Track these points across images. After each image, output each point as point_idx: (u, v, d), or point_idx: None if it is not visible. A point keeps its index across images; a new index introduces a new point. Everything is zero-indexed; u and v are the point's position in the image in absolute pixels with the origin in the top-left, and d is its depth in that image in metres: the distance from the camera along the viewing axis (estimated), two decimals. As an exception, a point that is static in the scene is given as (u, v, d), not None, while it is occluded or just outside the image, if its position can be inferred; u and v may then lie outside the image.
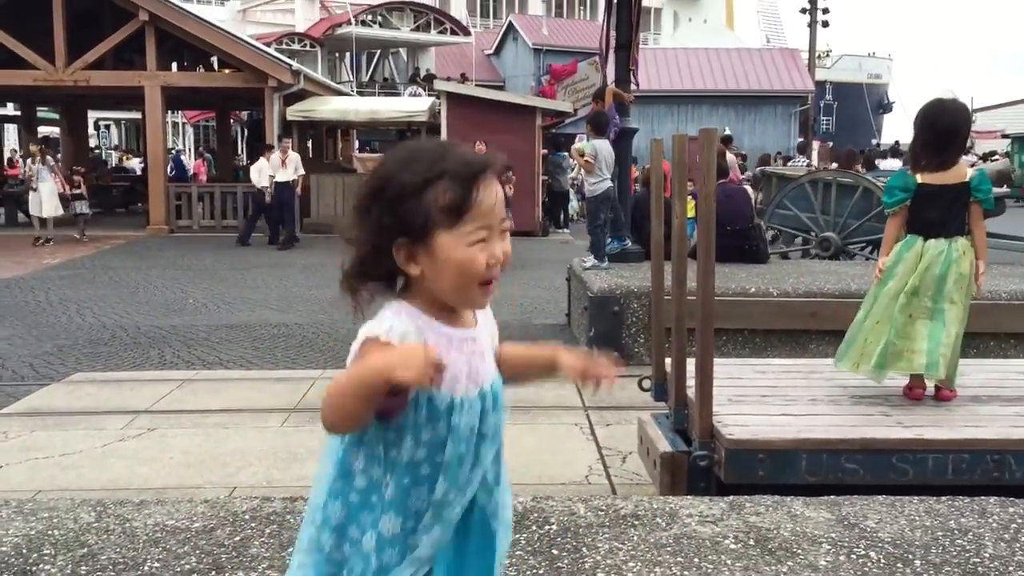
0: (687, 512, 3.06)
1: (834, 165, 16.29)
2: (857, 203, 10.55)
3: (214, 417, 5.82)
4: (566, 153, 18.80)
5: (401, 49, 37.32)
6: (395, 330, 1.47)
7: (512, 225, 1.57)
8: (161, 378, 6.80)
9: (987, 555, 2.77)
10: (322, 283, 11.23)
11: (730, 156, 17.85)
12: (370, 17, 32.72)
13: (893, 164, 17.98)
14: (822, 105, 43.70)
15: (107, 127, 40.87)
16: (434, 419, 1.51)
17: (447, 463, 1.52)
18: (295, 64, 18.25)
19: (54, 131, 26.76)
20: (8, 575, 2.54)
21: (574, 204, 20.96)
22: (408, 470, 1.52)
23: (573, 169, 19.28)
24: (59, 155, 21.78)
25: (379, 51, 37.24)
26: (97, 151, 33.34)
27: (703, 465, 3.72)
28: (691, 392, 4.06)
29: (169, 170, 19.69)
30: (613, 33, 9.89)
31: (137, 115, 25.34)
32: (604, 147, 9.03)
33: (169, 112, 28.07)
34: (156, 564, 2.59)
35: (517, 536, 2.84)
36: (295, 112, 17.78)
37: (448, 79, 27.03)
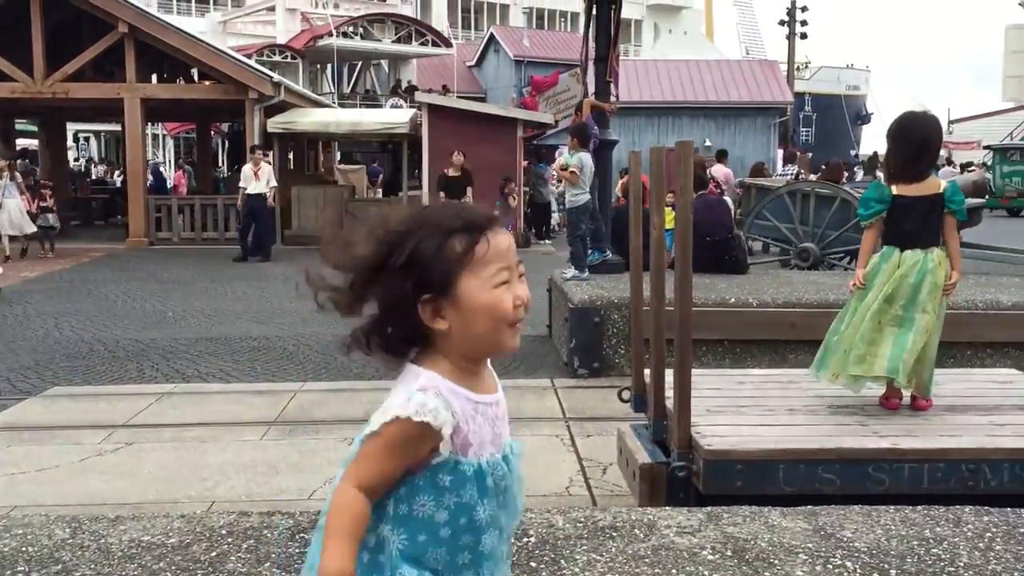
0: (665, 523, 3.07)
1: (813, 176, 16.44)
2: (835, 214, 10.63)
3: (193, 431, 5.78)
4: (547, 165, 18.87)
5: (383, 61, 37.33)
6: (427, 407, 1.45)
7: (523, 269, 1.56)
8: (139, 392, 6.76)
9: (962, 564, 2.79)
10: (304, 295, 11.18)
11: (725, 170, 17.97)
12: (351, 29, 32.72)
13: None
14: (801, 116, 44.01)
15: (87, 139, 40.64)
16: (459, 484, 1.50)
17: (474, 525, 1.51)
18: (276, 76, 18.23)
19: (32, 143, 26.57)
20: (-20, 593, 2.51)
21: (556, 216, 21.03)
22: (424, 526, 1.50)
23: (557, 183, 19.35)
24: (38, 168, 21.63)
25: (360, 63, 37.23)
26: (77, 163, 33.15)
27: (682, 476, 3.73)
28: (670, 403, 4.08)
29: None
30: (593, 45, 9.95)
31: (117, 127, 25.23)
32: (588, 159, 9.09)
33: (149, 124, 27.97)
34: (131, 580, 2.58)
35: (495, 549, 2.84)
36: (276, 124, 17.75)
37: (430, 91, 27.07)
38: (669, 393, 4.08)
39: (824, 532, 3.02)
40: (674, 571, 2.71)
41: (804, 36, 37.13)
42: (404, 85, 33.53)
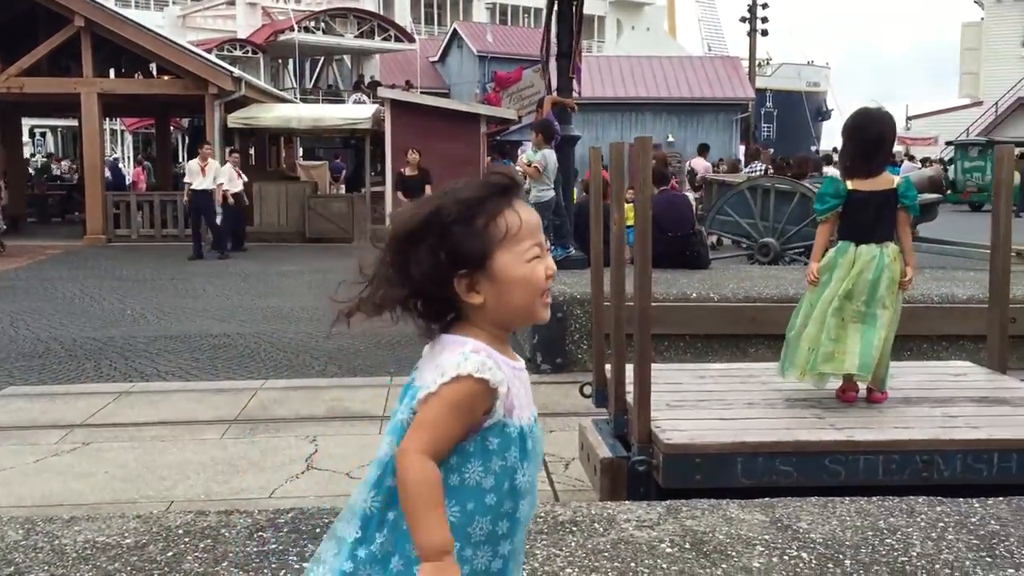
0: (625, 517, 3.09)
1: (770, 171, 16.59)
2: (795, 209, 10.74)
3: (151, 430, 5.72)
4: (511, 161, 18.84)
5: (345, 56, 37.13)
6: (486, 365, 1.47)
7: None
8: (97, 391, 6.66)
9: (915, 553, 2.83)
10: (265, 292, 11.10)
11: (705, 163, 18.07)
12: (313, 24, 32.49)
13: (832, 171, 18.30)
14: (763, 112, 44.43)
15: (43, 135, 39.95)
16: (505, 447, 1.52)
17: (515, 489, 1.53)
18: (236, 71, 18.03)
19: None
20: (-71, 597, 2.47)
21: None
22: (473, 494, 1.50)
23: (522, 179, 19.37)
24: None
25: (323, 58, 36.99)
26: (33, 159, 32.57)
27: (642, 470, 3.75)
28: (630, 398, 4.10)
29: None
30: (555, 41, 9.97)
31: (74, 122, 24.82)
32: (552, 156, 9.11)
33: (107, 119, 27.53)
34: (85, 582, 2.54)
35: (455, 545, 2.84)
36: (236, 119, 17.57)
37: (393, 86, 26.94)
38: (630, 388, 4.10)
39: (781, 524, 3.06)
40: (633, 564, 2.73)
41: (765, 33, 37.38)
42: (367, 81, 33.37)
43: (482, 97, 29.01)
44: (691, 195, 13.88)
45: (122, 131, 37.67)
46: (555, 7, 9.90)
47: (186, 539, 2.84)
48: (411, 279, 1.51)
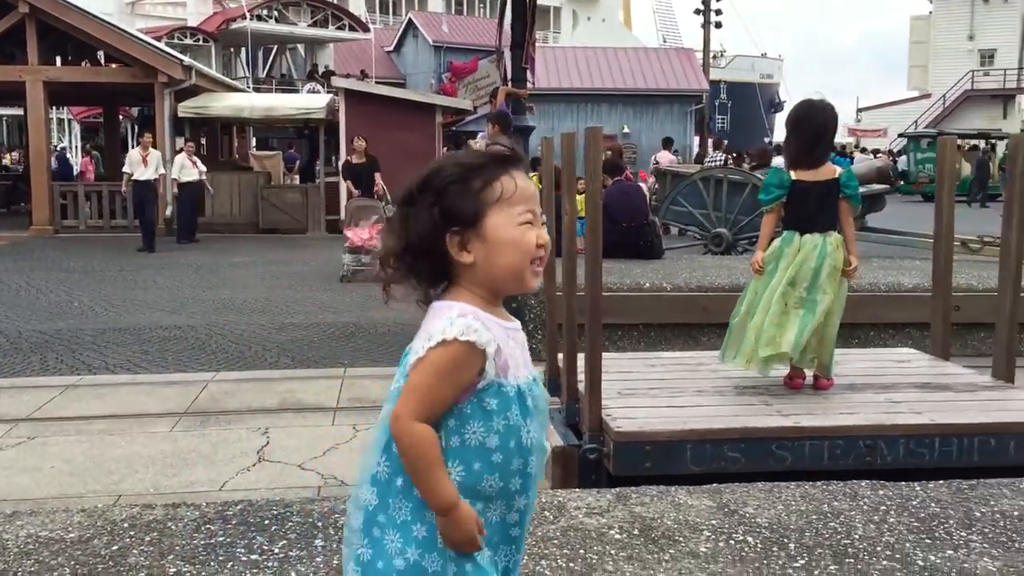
0: (575, 505, 3.11)
1: (730, 161, 16.76)
2: (746, 200, 10.86)
3: (99, 423, 5.62)
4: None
5: (299, 45, 36.68)
6: (471, 328, 1.50)
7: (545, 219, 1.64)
8: (43, 384, 6.53)
9: (857, 536, 2.89)
10: (216, 284, 10.97)
11: (670, 156, 18.15)
12: (266, 12, 32.05)
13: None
14: (717, 104, 44.79)
15: (-13, 124, 38.98)
16: (505, 407, 1.54)
17: (522, 447, 1.56)
18: (186, 59, 17.73)
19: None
20: None
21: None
22: (478, 454, 1.53)
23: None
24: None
25: (276, 47, 36.51)
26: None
27: (593, 458, 3.79)
28: (582, 387, 4.13)
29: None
30: (509, 31, 9.97)
31: (20, 111, 24.25)
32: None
33: (54, 108, 26.95)
34: (27, 577, 2.50)
35: (405, 535, 2.84)
36: (187, 108, 17.29)
37: (347, 76, 26.70)
38: (581, 377, 4.13)
39: (728, 509, 3.10)
40: (582, 551, 2.75)
41: (719, 25, 37.67)
42: (321, 70, 33.04)
43: (438, 87, 28.88)
44: (645, 186, 13.96)
45: (69, 120, 36.90)
46: (509, -3, 9.91)
47: (131, 533, 2.81)
48: (410, 237, 1.55)
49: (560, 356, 4.62)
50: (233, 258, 13.47)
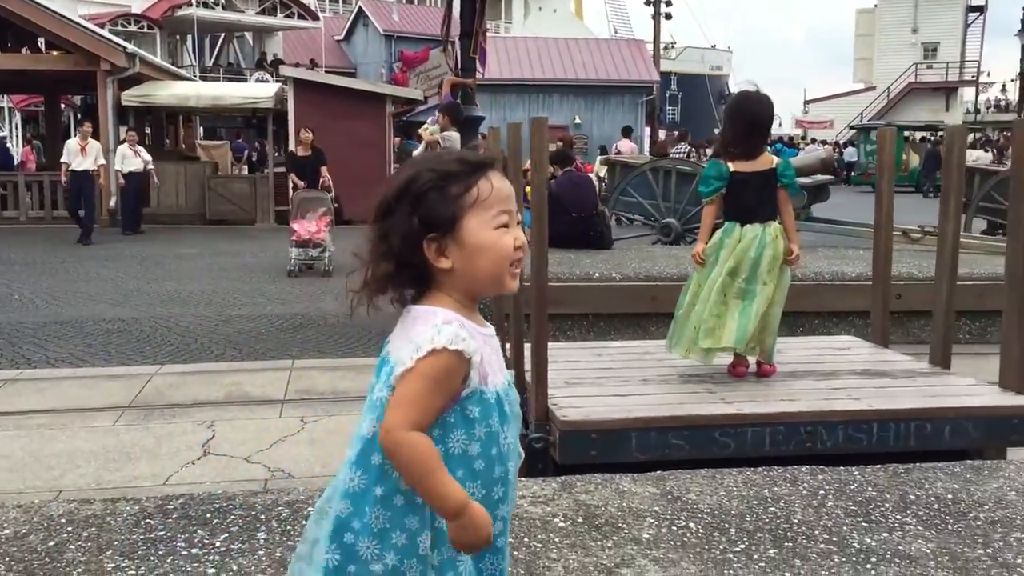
0: (520, 494, 3.11)
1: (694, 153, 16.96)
2: (695, 190, 10.92)
3: (39, 418, 5.51)
4: (416, 143, 18.71)
5: (247, 33, 36.16)
6: (459, 337, 1.49)
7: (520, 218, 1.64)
8: (-19, 379, 6.39)
9: (796, 520, 2.95)
10: (162, 276, 10.79)
11: (631, 144, 18.20)
12: (213, -1, 31.55)
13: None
14: (667, 95, 45.10)
15: (-77, 112, 37.85)
16: (487, 414, 1.54)
17: (502, 454, 1.56)
18: (130, 46, 17.39)
19: None
20: None
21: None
22: (461, 462, 1.53)
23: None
24: None
25: (223, 35, 35.94)
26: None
27: (539, 447, 3.80)
28: (529, 376, 4.14)
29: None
30: (459, 21, 9.93)
31: (-44, 99, 23.60)
32: (456, 138, 9.08)
33: (-7, 96, 26.25)
34: (-41, 576, 2.45)
35: (349, 526, 2.83)
36: (131, 97, 16.95)
37: (297, 65, 26.39)
38: (528, 367, 4.14)
39: (671, 496, 3.14)
40: (526, 540, 2.77)
41: (669, 16, 37.89)
42: (270, 59, 32.60)
43: (389, 77, 28.67)
44: (594, 176, 14.03)
45: (10, 109, 35.98)
46: (458, -14, 9.86)
47: (69, 528, 2.76)
48: (390, 247, 1.54)
49: (507, 346, 4.62)
50: (179, 249, 13.27)
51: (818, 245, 10.34)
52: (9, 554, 2.57)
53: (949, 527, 2.91)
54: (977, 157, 23.91)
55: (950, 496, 3.16)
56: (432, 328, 1.49)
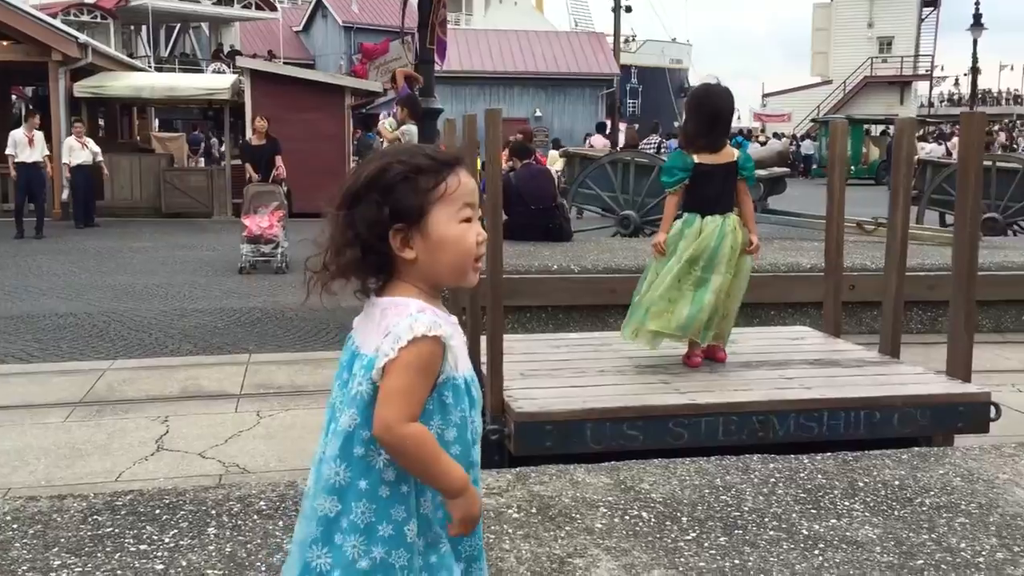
0: (474, 485, 3.12)
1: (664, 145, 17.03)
2: (654, 182, 10.99)
3: (-13, 415, 5.41)
4: (376, 135, 18.60)
5: (203, 24, 35.68)
6: (436, 323, 1.51)
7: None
8: (-73, 376, 6.26)
9: (747, 508, 2.98)
10: (116, 269, 10.63)
11: (603, 140, 18.17)
12: (168, -11, 31.06)
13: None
14: (628, 88, 45.27)
15: None
16: (459, 399, 1.57)
17: (474, 439, 1.61)
18: (82, 37, 17.07)
19: None
20: None
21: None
22: (443, 449, 1.54)
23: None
24: None
25: (179, 25, 35.44)
26: None
27: (495, 439, 3.80)
28: (485, 368, 4.14)
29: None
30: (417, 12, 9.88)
31: (-98, 89, 22.98)
32: (414, 131, 9.04)
33: (-60, 86, 25.57)
34: (-101, 576, 2.40)
35: (301, 520, 2.81)
36: (83, 88, 16.65)
37: (254, 56, 26.09)
38: (485, 359, 4.14)
39: (625, 486, 3.16)
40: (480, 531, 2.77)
41: (629, 9, 37.92)
42: (227, 50, 32.18)
43: (348, 69, 28.45)
44: (554, 169, 14.05)
45: (-42, 99, 35.18)
46: (416, -23, 9.81)
47: (14, 526, 2.71)
48: (356, 235, 1.55)
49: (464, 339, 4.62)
50: (134, 243, 13.07)
51: (774, 237, 10.46)
52: (-49, 553, 2.53)
53: (896, 513, 2.96)
54: (930, 150, 24.34)
55: (897, 483, 3.22)
56: (408, 317, 1.51)
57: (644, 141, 17.56)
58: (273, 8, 34.62)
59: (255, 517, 2.80)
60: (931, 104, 53.76)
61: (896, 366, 4.59)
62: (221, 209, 16.57)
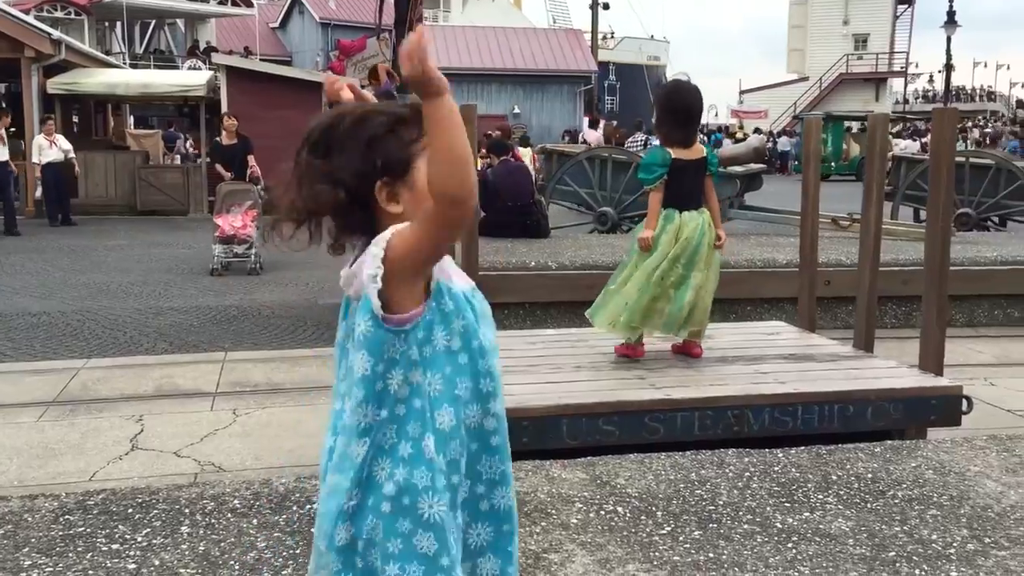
0: (450, 482, 3.12)
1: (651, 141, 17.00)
2: (631, 179, 11.02)
3: (-41, 416, 5.35)
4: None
5: (178, 20, 35.39)
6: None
7: None
8: None
9: (721, 502, 3.00)
10: (90, 267, 10.53)
11: (597, 134, 18.05)
12: (142, -16, 30.77)
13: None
14: (606, 85, 45.35)
15: None
16: (460, 308, 1.55)
17: (483, 347, 1.56)
18: (56, 33, 16.89)
19: None
20: None
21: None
22: (447, 359, 1.53)
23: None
24: None
25: (154, 21, 35.14)
26: None
27: (471, 435, 3.80)
28: (461, 365, 4.14)
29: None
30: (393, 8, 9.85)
31: None
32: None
33: (-89, 83, 25.23)
34: None
35: (276, 517, 2.80)
36: (56, 85, 16.48)
37: (231, 53, 25.92)
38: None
39: (600, 481, 3.17)
40: (455, 527, 2.77)
41: (607, 7, 38.08)
42: (203, 46, 31.96)
43: (325, 65, 28.34)
44: (531, 165, 14.05)
45: (-71, 96, 34.74)
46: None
47: (-16, 527, 2.69)
48: (338, 182, 1.50)
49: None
50: (109, 241, 12.96)
51: (751, 233, 10.50)
52: (-80, 554, 2.50)
53: (868, 506, 2.99)
54: (905, 146, 24.54)
55: (870, 476, 3.25)
56: (379, 236, 1.48)
57: (630, 140, 17.57)
58: (249, 4, 34.40)
59: (229, 515, 2.79)
60: (906, 101, 54.24)
61: (870, 360, 4.63)
62: (197, 206, 16.45)
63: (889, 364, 4.56)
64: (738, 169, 11.12)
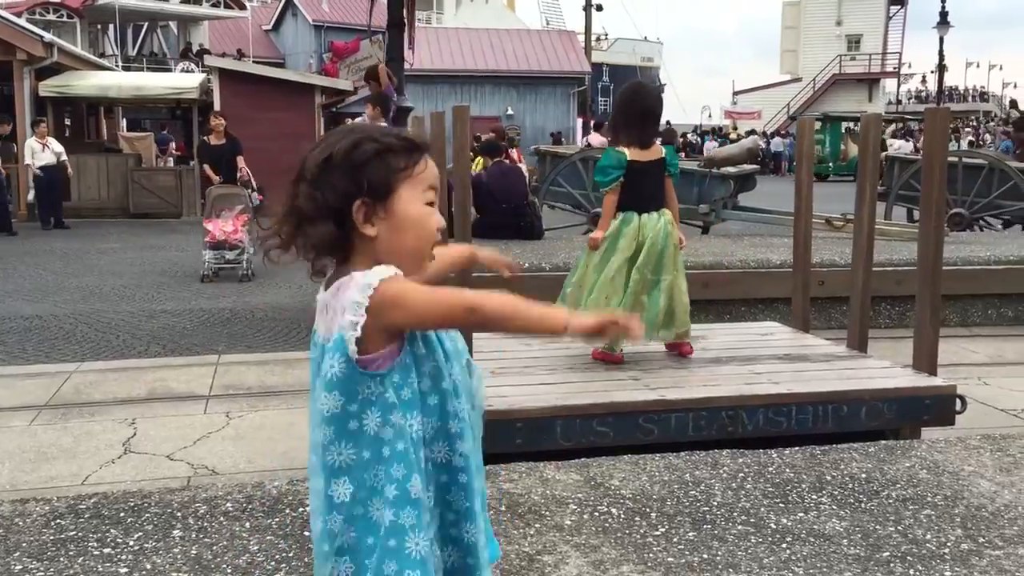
0: (444, 484, 3.11)
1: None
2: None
3: (-50, 420, 5.32)
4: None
5: (171, 22, 35.32)
6: (391, 269, 1.51)
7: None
8: None
9: (715, 503, 3.00)
10: (82, 270, 10.50)
11: (602, 138, 18.11)
12: (135, -13, 30.69)
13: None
14: (599, 86, 45.39)
15: None
16: (432, 350, 1.57)
17: (452, 387, 1.58)
18: (48, 35, 16.86)
19: None
20: None
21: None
22: (417, 402, 1.55)
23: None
24: None
25: (146, 24, 35.07)
26: None
27: (465, 437, 3.79)
28: (455, 367, 4.13)
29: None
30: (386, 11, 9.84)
31: None
32: (384, 129, 9.02)
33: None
34: None
35: (269, 520, 2.79)
36: (49, 87, 16.45)
37: (223, 55, 25.89)
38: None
39: (594, 482, 3.16)
40: (449, 529, 2.76)
41: (600, 8, 38.10)
42: (195, 49, 31.91)
43: (319, 67, 28.32)
44: (524, 167, 14.04)
45: (-79, 100, 34.62)
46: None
47: (-25, 532, 2.67)
48: (320, 205, 1.54)
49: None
50: (102, 244, 12.92)
51: (744, 233, 10.52)
52: (-90, 560, 2.48)
53: (862, 506, 2.98)
54: (898, 146, 24.60)
55: (864, 476, 3.24)
56: (362, 276, 1.50)
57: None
58: (242, 7, 34.31)
59: (221, 519, 2.77)
60: (899, 101, 54.36)
61: (863, 360, 4.63)
62: (190, 209, 16.42)
63: (883, 364, 4.56)
64: (731, 170, 11.14)
